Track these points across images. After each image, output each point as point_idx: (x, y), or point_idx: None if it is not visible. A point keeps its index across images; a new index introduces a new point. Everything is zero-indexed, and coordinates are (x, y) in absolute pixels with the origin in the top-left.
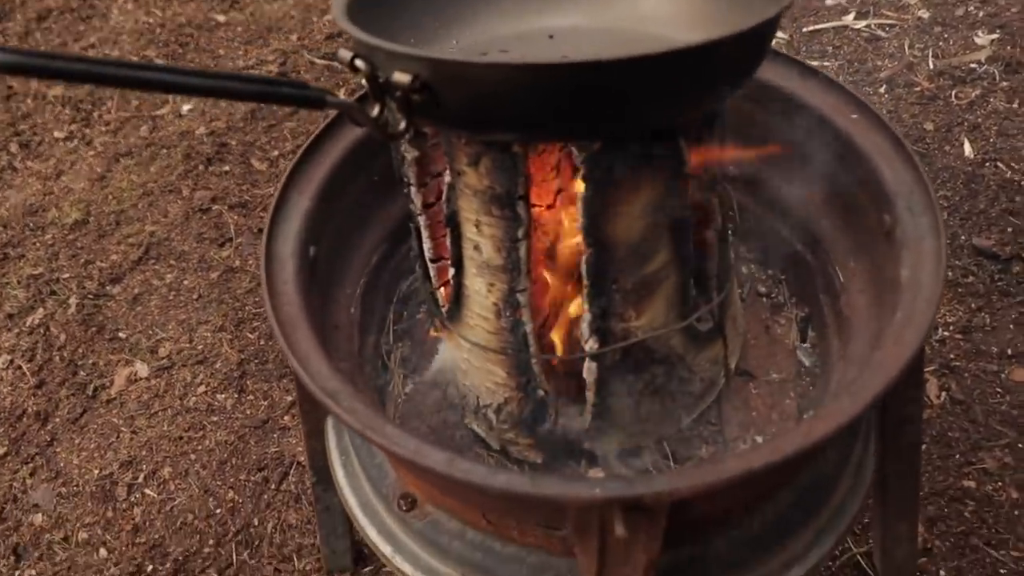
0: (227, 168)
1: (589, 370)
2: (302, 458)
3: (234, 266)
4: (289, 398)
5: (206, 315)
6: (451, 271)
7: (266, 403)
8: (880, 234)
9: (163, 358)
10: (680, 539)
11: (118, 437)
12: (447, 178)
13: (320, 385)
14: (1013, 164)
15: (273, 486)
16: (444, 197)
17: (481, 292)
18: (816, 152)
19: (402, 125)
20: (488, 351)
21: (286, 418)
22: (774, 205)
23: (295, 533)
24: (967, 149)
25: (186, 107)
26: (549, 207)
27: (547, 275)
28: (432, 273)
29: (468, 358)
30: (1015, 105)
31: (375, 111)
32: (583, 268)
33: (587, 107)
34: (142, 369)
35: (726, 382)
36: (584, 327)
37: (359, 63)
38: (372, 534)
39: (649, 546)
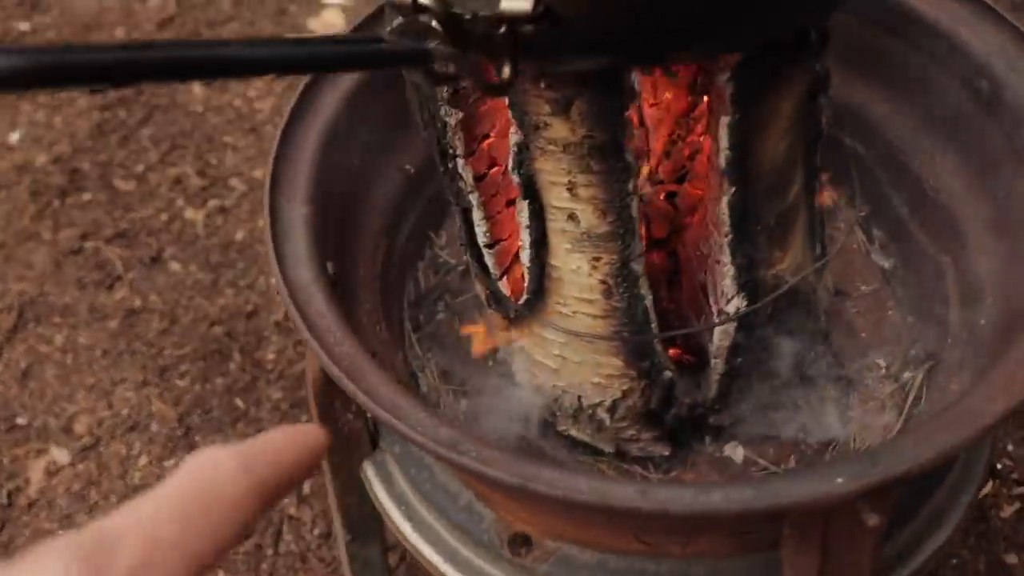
0: (88, 197)
1: (724, 334)
2: (292, 510)
3: (134, 307)
4: None
5: (119, 372)
6: (527, 254)
7: None
8: (971, 106)
9: (83, 436)
10: None
11: None
12: (515, 137)
13: (429, 435)
14: None
15: (270, 551)
16: (513, 162)
17: (582, 271)
18: (850, 29)
19: (506, 71)
20: (596, 340)
21: None
22: None
23: None
24: None
25: (14, 135)
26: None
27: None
28: (490, 262)
29: (561, 354)
30: None
31: (450, 66)
32: (723, 212)
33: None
34: (61, 455)
35: (828, 308)
36: (727, 283)
37: None
38: None
39: (880, 524)
